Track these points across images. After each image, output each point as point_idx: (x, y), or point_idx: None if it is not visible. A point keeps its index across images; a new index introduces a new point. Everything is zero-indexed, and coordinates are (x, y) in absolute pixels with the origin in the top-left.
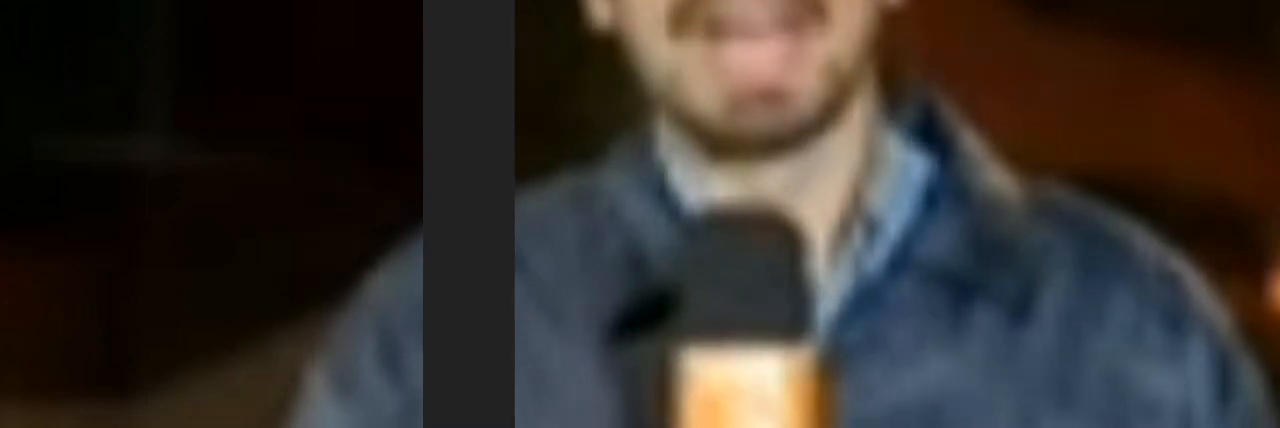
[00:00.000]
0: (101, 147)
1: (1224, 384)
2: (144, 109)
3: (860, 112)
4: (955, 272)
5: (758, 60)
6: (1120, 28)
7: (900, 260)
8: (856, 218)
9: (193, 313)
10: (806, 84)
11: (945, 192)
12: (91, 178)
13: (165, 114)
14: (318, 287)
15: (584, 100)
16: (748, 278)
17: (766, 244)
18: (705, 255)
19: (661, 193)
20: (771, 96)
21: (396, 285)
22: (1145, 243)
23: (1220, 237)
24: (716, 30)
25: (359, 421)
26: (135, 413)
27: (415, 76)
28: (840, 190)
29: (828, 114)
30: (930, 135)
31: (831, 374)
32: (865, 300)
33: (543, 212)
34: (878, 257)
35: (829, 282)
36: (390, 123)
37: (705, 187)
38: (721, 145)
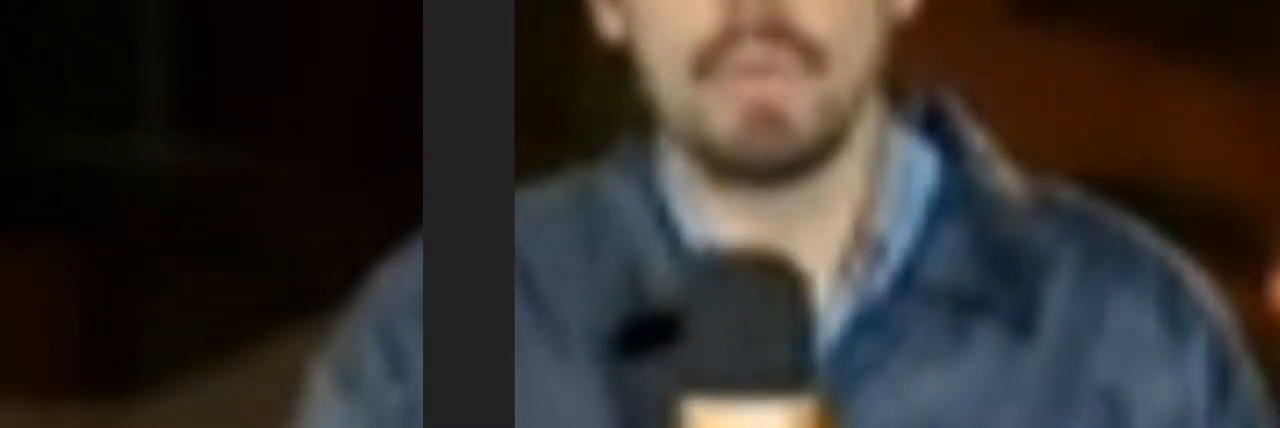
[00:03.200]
0: (101, 147)
1: (1223, 387)
2: (143, 109)
3: (865, 130)
4: (960, 289)
5: (762, 85)
6: (1121, 28)
7: (905, 280)
8: (862, 239)
9: (192, 313)
10: (802, 114)
11: (953, 195)
12: (91, 178)
13: (165, 114)
14: (318, 287)
15: (588, 102)
16: (751, 327)
17: (770, 292)
18: (708, 304)
19: (662, 219)
20: (774, 119)
21: (400, 284)
22: (1147, 242)
23: (1220, 237)
24: (737, 73)
25: (362, 419)
26: (135, 413)
27: (415, 77)
28: (848, 210)
29: (828, 145)
30: (936, 132)
31: (835, 420)
32: (870, 321)
33: (545, 214)
34: (883, 276)
35: (834, 302)
36: (390, 123)
37: (707, 213)
38: (727, 171)
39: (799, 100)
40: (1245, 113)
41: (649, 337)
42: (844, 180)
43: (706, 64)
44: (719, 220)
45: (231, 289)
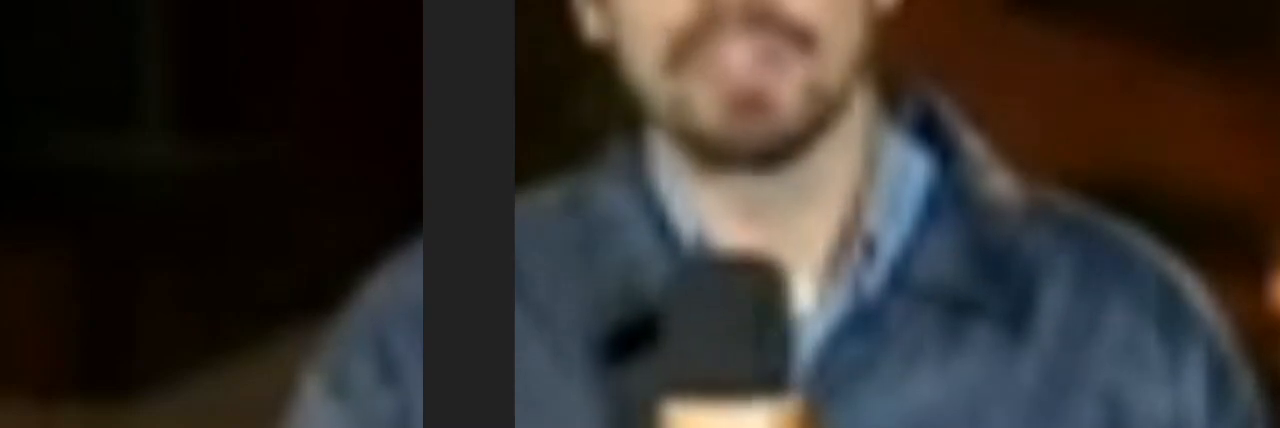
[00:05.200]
0: (101, 146)
1: (1220, 395)
2: (143, 109)
3: (857, 124)
4: (954, 290)
5: (742, 69)
6: (1118, 27)
7: (899, 279)
8: (855, 236)
9: (192, 313)
10: (789, 98)
11: (946, 197)
12: (91, 178)
13: (165, 114)
14: (318, 286)
15: (587, 106)
16: (732, 330)
17: (751, 295)
18: (688, 307)
19: (653, 212)
20: (756, 103)
21: (393, 289)
22: (1144, 249)
23: (1219, 238)
24: (711, 64)
25: (353, 425)
26: (135, 413)
27: (416, 77)
28: (839, 205)
29: (815, 130)
30: (931, 136)
31: (817, 423)
32: (862, 320)
33: (538, 220)
34: (876, 275)
35: (825, 300)
36: (390, 122)
37: (697, 207)
38: (716, 159)
39: (785, 84)
40: (1245, 112)
41: (645, 338)
42: (834, 173)
43: (686, 53)
44: (709, 214)
45: (231, 289)
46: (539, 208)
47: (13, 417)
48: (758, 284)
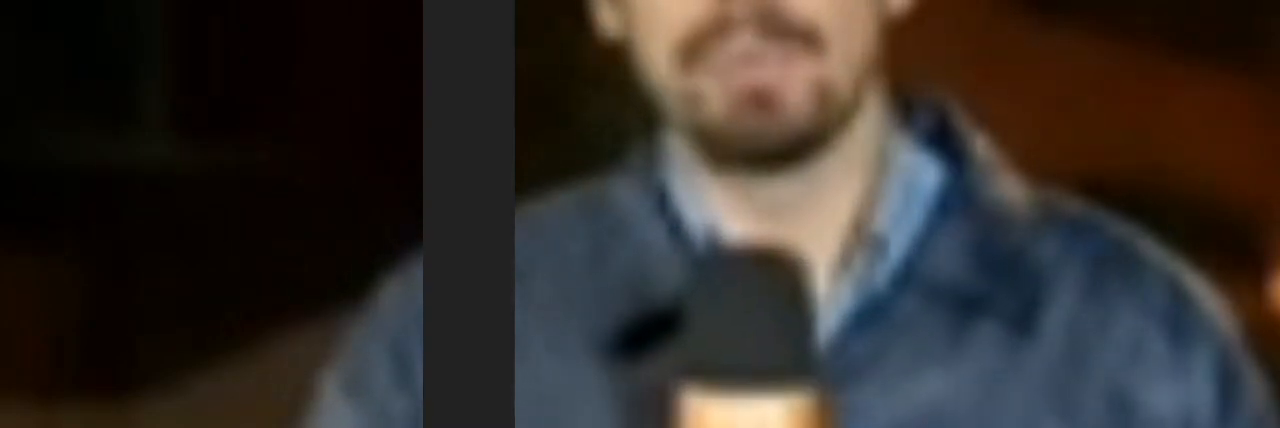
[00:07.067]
0: (101, 147)
1: (1228, 396)
2: (143, 109)
3: (866, 127)
4: (961, 288)
5: (751, 67)
6: (1121, 30)
7: (906, 277)
8: (862, 235)
9: (191, 313)
10: (798, 96)
11: (956, 201)
12: (91, 178)
13: (165, 114)
14: (318, 287)
15: (597, 107)
16: (752, 320)
17: (772, 286)
18: (710, 297)
19: (666, 212)
20: (765, 100)
21: (407, 291)
22: (1151, 252)
23: (1221, 239)
24: (731, 62)
25: (368, 423)
26: (134, 413)
27: (415, 77)
28: (849, 206)
29: (823, 130)
30: (943, 142)
31: (833, 415)
32: (869, 317)
33: (550, 222)
34: (884, 273)
35: (833, 297)
36: (390, 123)
37: (709, 205)
38: (727, 157)
39: (794, 83)
40: (1247, 112)
41: (655, 337)
42: (845, 175)
43: (698, 52)
44: (721, 213)
45: (231, 289)
46: (553, 206)
47: (13, 417)
48: (782, 275)
